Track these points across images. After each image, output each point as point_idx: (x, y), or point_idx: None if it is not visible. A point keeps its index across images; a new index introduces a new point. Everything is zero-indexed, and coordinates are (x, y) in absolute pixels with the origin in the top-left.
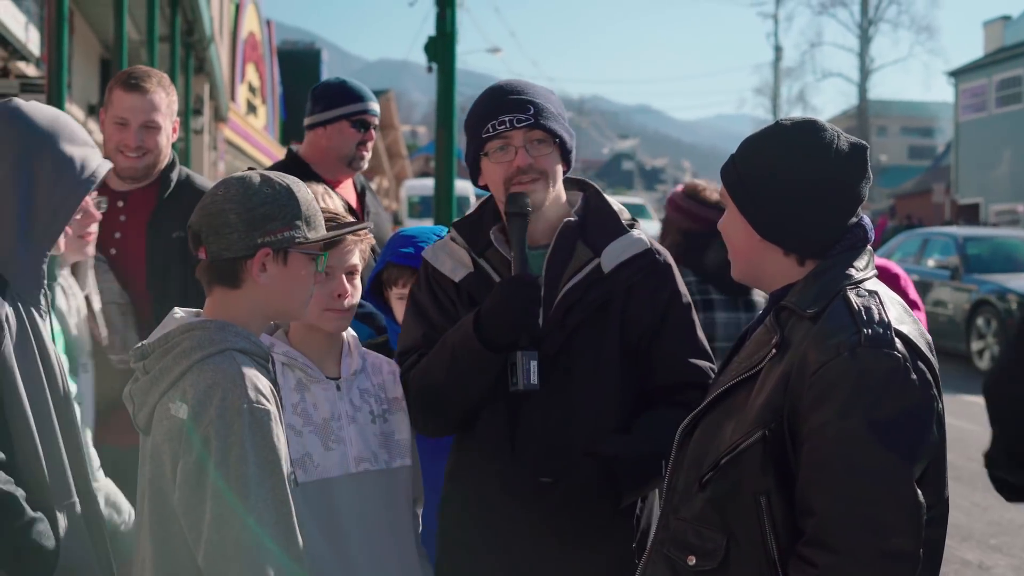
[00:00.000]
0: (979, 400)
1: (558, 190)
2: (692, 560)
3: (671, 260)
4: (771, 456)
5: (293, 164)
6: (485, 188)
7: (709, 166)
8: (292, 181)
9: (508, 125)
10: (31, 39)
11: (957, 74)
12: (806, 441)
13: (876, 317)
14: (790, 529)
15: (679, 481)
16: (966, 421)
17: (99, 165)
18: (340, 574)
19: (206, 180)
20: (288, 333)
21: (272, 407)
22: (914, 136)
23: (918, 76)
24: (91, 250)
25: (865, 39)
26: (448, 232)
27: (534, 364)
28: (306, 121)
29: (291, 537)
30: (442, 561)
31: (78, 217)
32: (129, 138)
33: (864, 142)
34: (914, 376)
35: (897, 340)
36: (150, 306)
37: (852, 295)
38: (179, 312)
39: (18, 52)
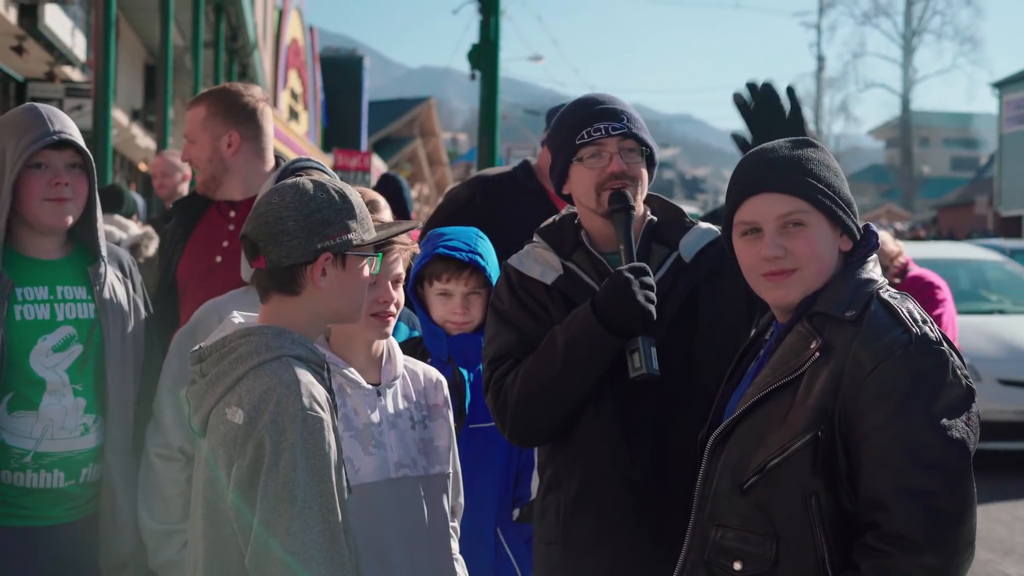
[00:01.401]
0: None
1: (643, 197)
2: (738, 566)
3: None
4: (821, 457)
5: (524, 175)
6: (566, 198)
7: None
8: (343, 185)
9: (604, 132)
10: (77, 44)
11: (1001, 85)
12: (866, 439)
13: (919, 317)
14: (837, 529)
15: (713, 488)
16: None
17: (67, 129)
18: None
19: None
20: (329, 339)
21: (325, 415)
22: (957, 147)
23: (961, 87)
24: (67, 217)
25: (908, 49)
26: (531, 240)
27: (654, 350)
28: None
29: (337, 546)
30: (553, 566)
31: (44, 177)
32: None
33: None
34: (959, 371)
35: (939, 337)
36: None
37: (887, 296)
38: (237, 317)
39: (64, 57)
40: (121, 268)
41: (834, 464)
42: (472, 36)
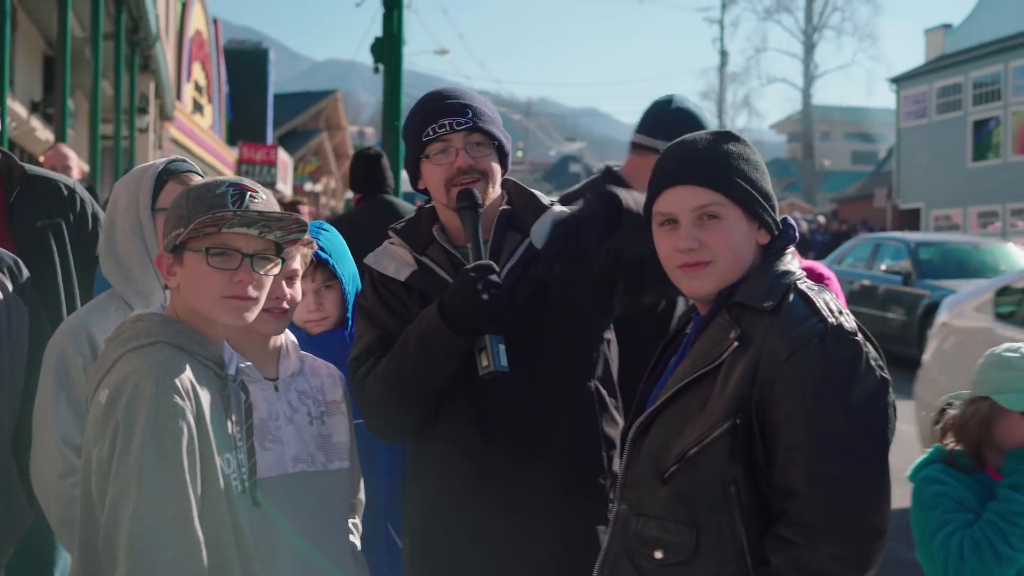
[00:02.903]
0: None
1: (496, 190)
2: (659, 554)
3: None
4: (740, 445)
5: (612, 179)
6: (423, 192)
7: None
8: (200, 183)
9: (448, 128)
10: None
11: (899, 81)
12: (781, 425)
13: (834, 307)
14: (756, 516)
15: (634, 478)
16: (907, 424)
17: None
18: (273, 571)
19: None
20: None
21: (184, 402)
22: (857, 141)
23: (861, 82)
24: None
25: (809, 45)
26: (388, 238)
27: (502, 347)
28: (636, 139)
29: (187, 532)
30: (416, 556)
31: None
32: None
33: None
34: (872, 361)
35: (854, 327)
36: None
37: (803, 287)
38: (159, 305)
39: None
40: (1, 268)
41: (752, 452)
42: (377, 29)
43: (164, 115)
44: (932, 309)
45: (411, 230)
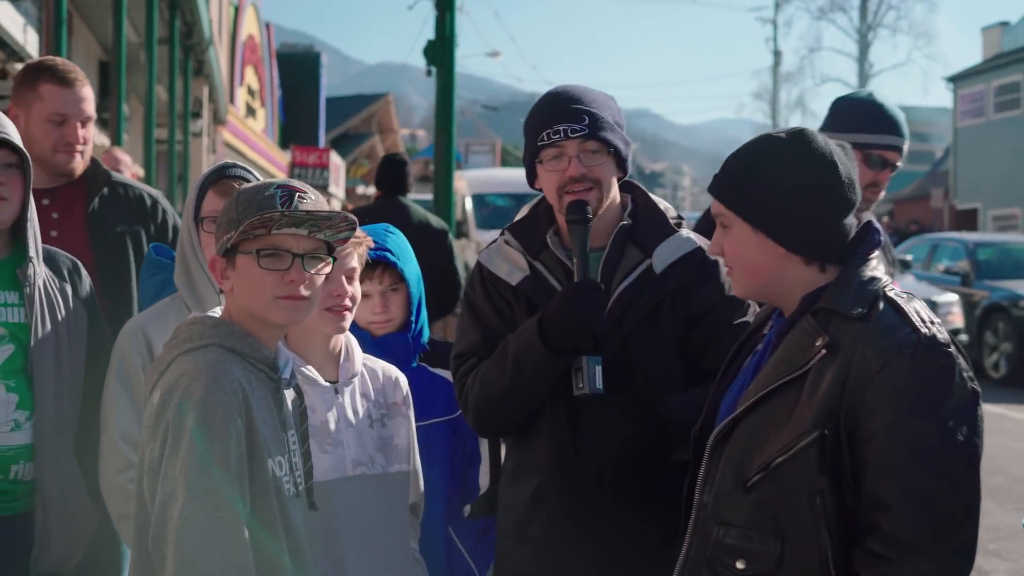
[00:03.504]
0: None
1: (612, 196)
2: (741, 564)
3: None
4: (827, 456)
5: None
6: (540, 190)
7: (709, 170)
8: (251, 186)
9: (562, 135)
10: (29, 41)
11: (956, 79)
12: (872, 439)
13: (927, 317)
14: (842, 528)
15: (716, 485)
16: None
17: (1, 128)
18: (332, 575)
19: (121, 175)
20: (287, 336)
21: (233, 402)
22: (912, 141)
23: (916, 81)
24: (5, 215)
25: (864, 44)
26: (502, 235)
27: (599, 369)
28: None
29: (234, 534)
30: (504, 560)
31: None
32: (72, 135)
33: (847, 144)
34: (965, 374)
35: (947, 338)
36: (105, 304)
37: (893, 295)
38: (217, 308)
39: (16, 54)
40: (58, 271)
41: (839, 463)
42: (428, 32)
43: (217, 119)
44: (991, 310)
45: (526, 231)
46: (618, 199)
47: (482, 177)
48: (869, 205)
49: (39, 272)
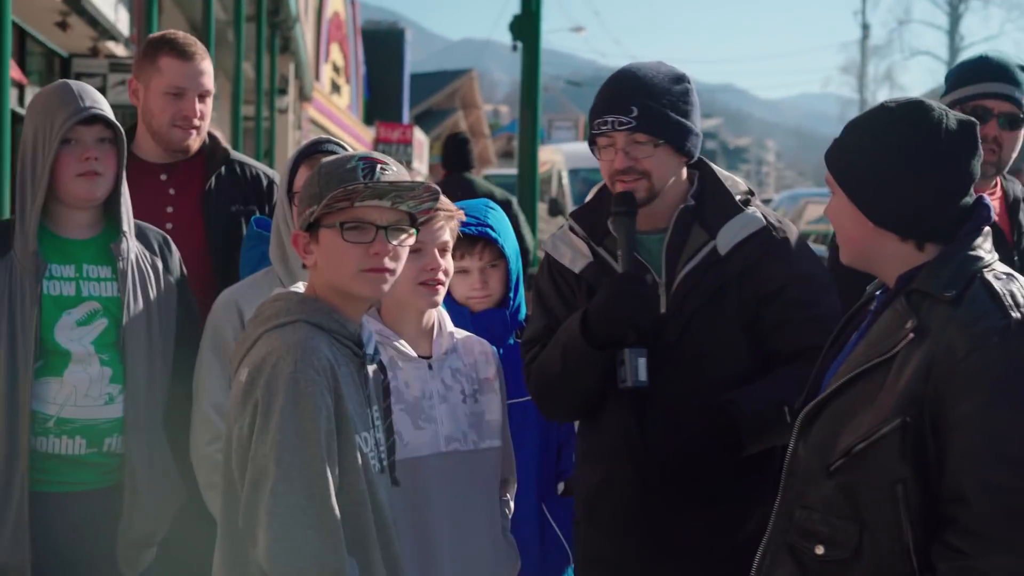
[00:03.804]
0: None
1: (675, 178)
2: (820, 550)
3: (792, 233)
4: (910, 444)
5: None
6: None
7: (793, 145)
8: (336, 157)
9: (610, 126)
10: (120, 19)
11: None
12: (954, 429)
13: (1020, 301)
14: (925, 518)
15: (801, 467)
16: None
17: (98, 104)
18: (425, 553)
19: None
20: (380, 311)
21: (322, 379)
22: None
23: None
24: (96, 190)
25: (955, 16)
26: (567, 221)
27: (642, 361)
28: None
29: (325, 511)
30: (580, 543)
31: (75, 152)
32: (189, 108)
33: (972, 118)
34: None
35: None
36: (213, 282)
37: (990, 277)
38: (300, 286)
39: (108, 32)
40: (149, 246)
41: (923, 451)
42: (513, 7)
43: (303, 96)
44: None
45: (590, 216)
46: (683, 178)
47: (581, 151)
48: (990, 167)
49: (131, 247)
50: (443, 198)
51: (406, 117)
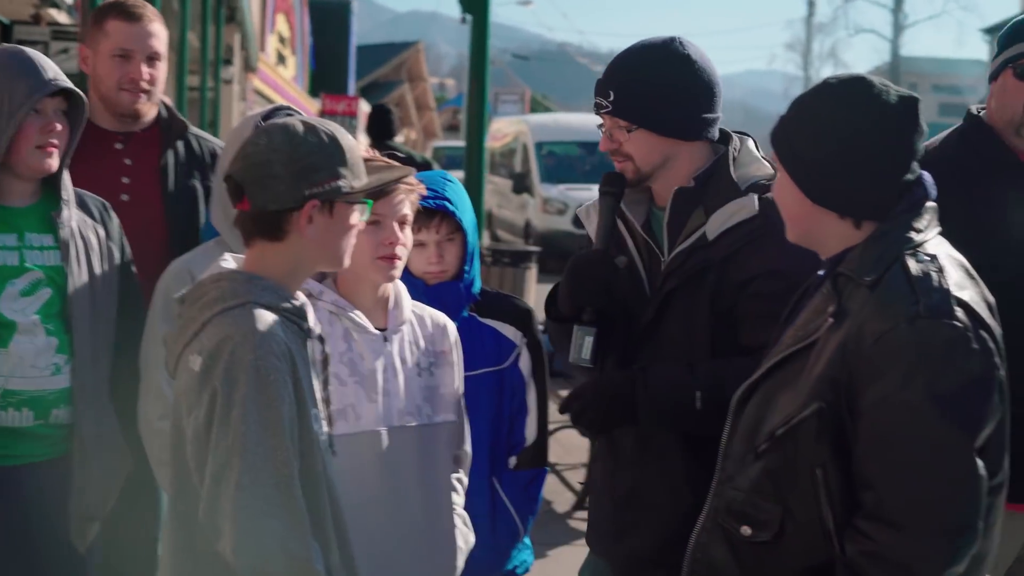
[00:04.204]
0: None
1: (667, 160)
2: (747, 531)
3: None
4: (827, 429)
5: (974, 133)
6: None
7: (740, 122)
8: (335, 128)
9: (596, 108)
10: None
11: (993, 31)
12: (865, 414)
13: (935, 284)
14: (846, 501)
15: (734, 449)
16: None
17: (59, 75)
18: (373, 526)
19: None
20: (336, 282)
21: (283, 365)
22: (945, 94)
23: (951, 33)
24: (53, 164)
25: None
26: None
27: (589, 340)
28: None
29: (291, 500)
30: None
31: (35, 126)
32: (136, 71)
33: (914, 95)
34: (975, 345)
35: (957, 309)
36: (169, 257)
37: (911, 261)
38: (229, 259)
39: (50, 0)
40: (90, 214)
41: (842, 436)
42: None
43: (248, 67)
44: None
45: (619, 183)
46: (698, 157)
47: (548, 123)
48: None
49: (73, 215)
50: (396, 166)
51: (352, 89)
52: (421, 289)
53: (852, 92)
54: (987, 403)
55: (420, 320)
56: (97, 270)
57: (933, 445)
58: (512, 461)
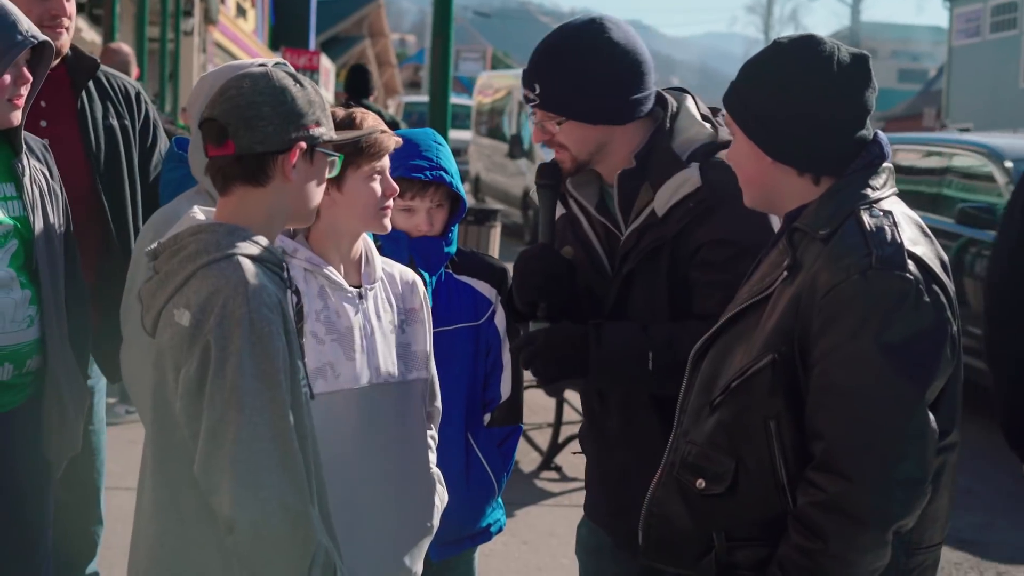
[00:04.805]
0: None
1: (600, 144)
2: (701, 483)
3: (730, 195)
4: (781, 380)
5: None
6: None
7: (698, 84)
8: (309, 80)
9: (525, 99)
10: None
11: None
12: (816, 364)
13: (888, 238)
14: (799, 454)
15: (690, 403)
16: None
17: (32, 28)
18: (351, 484)
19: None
20: (308, 239)
21: (275, 317)
22: (904, 60)
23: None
24: (18, 116)
25: None
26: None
27: (531, 324)
28: None
29: (289, 453)
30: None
31: (7, 79)
32: (58, 6)
33: (866, 52)
34: (927, 299)
35: (909, 262)
36: (95, 197)
37: (865, 215)
38: (197, 211)
39: None
40: (36, 156)
41: (796, 387)
42: None
43: (208, 19)
44: None
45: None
46: (636, 136)
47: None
48: None
49: (30, 162)
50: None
51: (312, 44)
52: (404, 242)
53: (805, 50)
54: (937, 356)
55: (391, 277)
56: (51, 217)
57: (882, 395)
58: (487, 418)
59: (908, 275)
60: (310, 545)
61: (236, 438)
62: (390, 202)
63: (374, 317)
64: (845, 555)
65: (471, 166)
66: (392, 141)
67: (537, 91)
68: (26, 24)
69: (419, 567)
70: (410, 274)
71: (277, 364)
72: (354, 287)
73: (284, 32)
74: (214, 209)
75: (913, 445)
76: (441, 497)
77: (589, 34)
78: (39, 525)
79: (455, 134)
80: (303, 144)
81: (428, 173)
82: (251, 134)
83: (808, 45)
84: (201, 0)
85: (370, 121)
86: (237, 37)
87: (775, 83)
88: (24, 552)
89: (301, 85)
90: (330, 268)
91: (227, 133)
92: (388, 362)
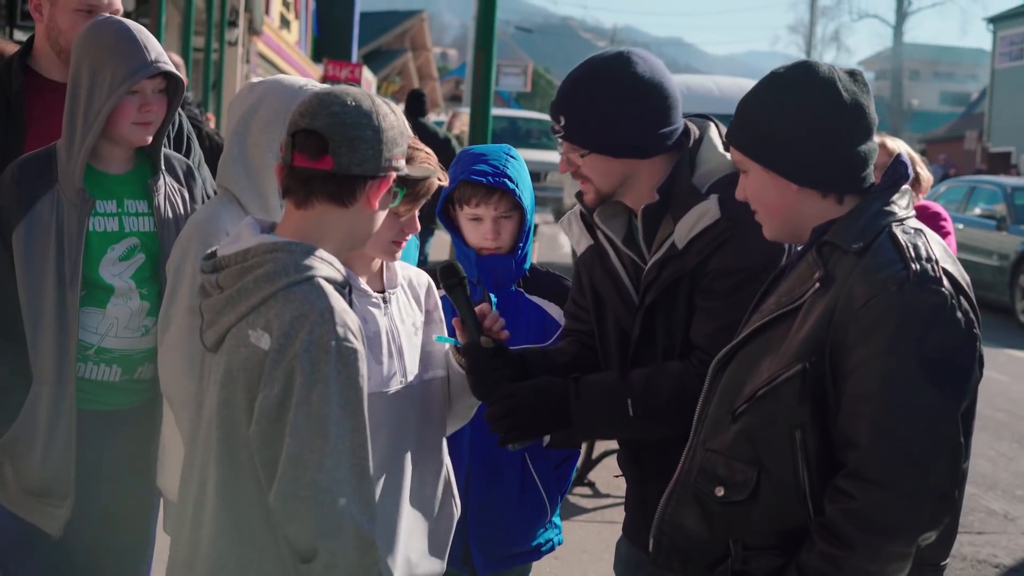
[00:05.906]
0: (1016, 353)
1: (624, 178)
2: (720, 491)
3: (744, 222)
4: (809, 390)
5: None
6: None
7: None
8: (399, 109)
9: (552, 131)
10: None
11: (996, 20)
12: (850, 374)
13: (923, 253)
14: (822, 464)
15: (710, 412)
16: (995, 371)
17: (161, 56)
18: (380, 488)
19: None
20: None
21: (360, 345)
22: (946, 82)
23: (955, 21)
24: (148, 137)
25: None
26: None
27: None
28: None
29: (366, 482)
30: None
31: (134, 103)
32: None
33: (858, 68)
34: (959, 314)
35: (944, 278)
36: None
37: (898, 231)
38: (252, 223)
39: None
40: (176, 177)
41: (823, 398)
42: None
43: (253, 29)
44: None
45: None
46: (659, 169)
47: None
48: None
49: (165, 182)
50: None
51: (355, 56)
52: (473, 260)
53: (806, 75)
54: (970, 369)
55: (407, 280)
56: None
57: (917, 408)
58: (546, 439)
59: (943, 290)
60: (373, 572)
61: (320, 465)
62: (406, 237)
63: (399, 321)
64: (870, 564)
65: (565, 193)
66: (437, 184)
67: (562, 123)
68: (154, 53)
69: (424, 569)
70: (424, 276)
71: (361, 392)
72: (376, 292)
73: (327, 44)
74: (266, 218)
75: (944, 457)
76: (456, 505)
77: (615, 68)
78: (142, 533)
79: (536, 155)
80: (394, 174)
81: (491, 178)
82: (352, 155)
83: (807, 68)
84: (245, 11)
85: (432, 163)
86: (280, 48)
87: (786, 110)
88: (132, 541)
89: (396, 115)
90: (355, 276)
91: (327, 148)
92: (412, 364)
